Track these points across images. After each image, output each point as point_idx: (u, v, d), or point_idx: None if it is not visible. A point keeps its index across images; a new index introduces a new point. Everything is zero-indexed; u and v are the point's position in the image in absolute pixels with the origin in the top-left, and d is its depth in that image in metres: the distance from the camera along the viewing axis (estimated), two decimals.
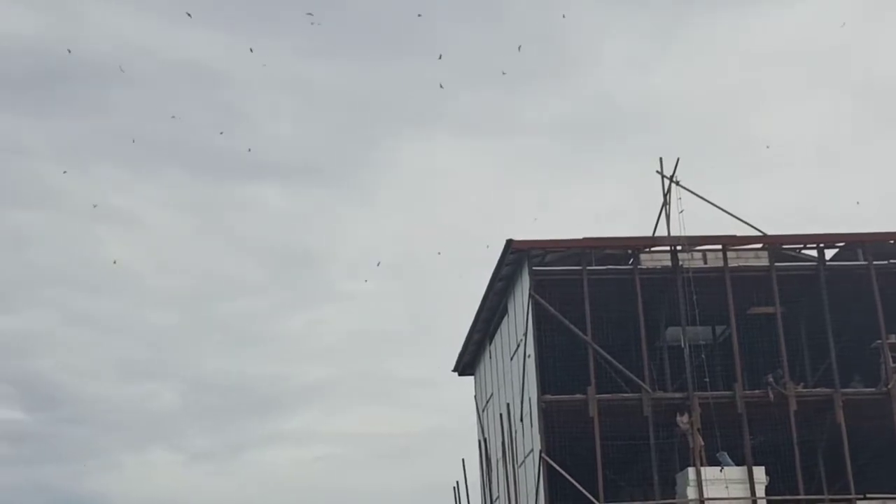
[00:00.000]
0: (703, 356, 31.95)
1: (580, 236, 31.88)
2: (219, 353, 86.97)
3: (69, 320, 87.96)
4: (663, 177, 33.85)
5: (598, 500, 29.66)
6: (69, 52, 62.27)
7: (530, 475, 32.10)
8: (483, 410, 39.89)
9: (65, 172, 78.86)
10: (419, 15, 55.91)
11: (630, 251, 32.55)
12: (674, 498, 30.86)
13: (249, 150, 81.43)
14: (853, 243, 32.90)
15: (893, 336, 31.99)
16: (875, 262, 32.33)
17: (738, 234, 32.52)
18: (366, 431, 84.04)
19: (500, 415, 35.75)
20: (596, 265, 32.13)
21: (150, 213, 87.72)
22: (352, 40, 79.65)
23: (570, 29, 78.51)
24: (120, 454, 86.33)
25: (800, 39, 76.39)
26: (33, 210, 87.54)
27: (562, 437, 30.82)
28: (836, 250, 33.51)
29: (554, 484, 30.38)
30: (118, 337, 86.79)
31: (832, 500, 30.56)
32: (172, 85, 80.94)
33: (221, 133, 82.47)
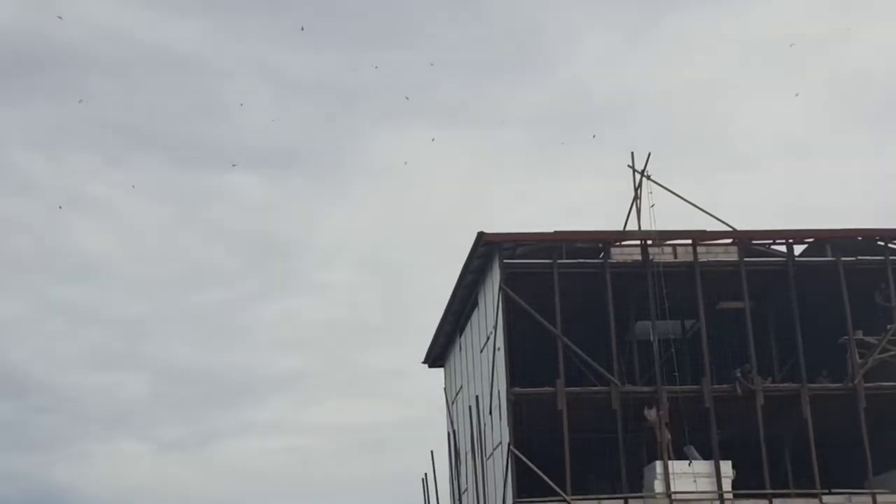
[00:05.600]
0: (671, 350, 32.08)
1: (551, 229, 31.94)
2: (190, 343, 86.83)
3: (41, 309, 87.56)
4: (634, 171, 33.93)
5: (565, 492, 29.73)
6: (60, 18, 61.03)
7: (498, 467, 32.16)
8: (452, 402, 39.91)
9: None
10: None
11: (600, 245, 32.60)
12: (641, 491, 30.95)
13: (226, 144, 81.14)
14: (822, 239, 33.08)
15: (860, 332, 32.20)
16: (843, 259, 32.51)
17: (708, 229, 32.62)
18: (336, 422, 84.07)
19: (470, 407, 35.79)
20: (566, 259, 32.16)
21: (125, 202, 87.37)
22: (330, 30, 79.48)
23: (547, 23, 78.55)
24: (89, 444, 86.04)
25: (774, 33, 76.62)
26: (6, 198, 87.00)
27: (530, 429, 30.87)
28: (804, 246, 33.70)
29: (522, 476, 30.41)
30: (90, 326, 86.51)
31: (798, 495, 30.72)
32: (148, 73, 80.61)
33: (198, 121, 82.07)
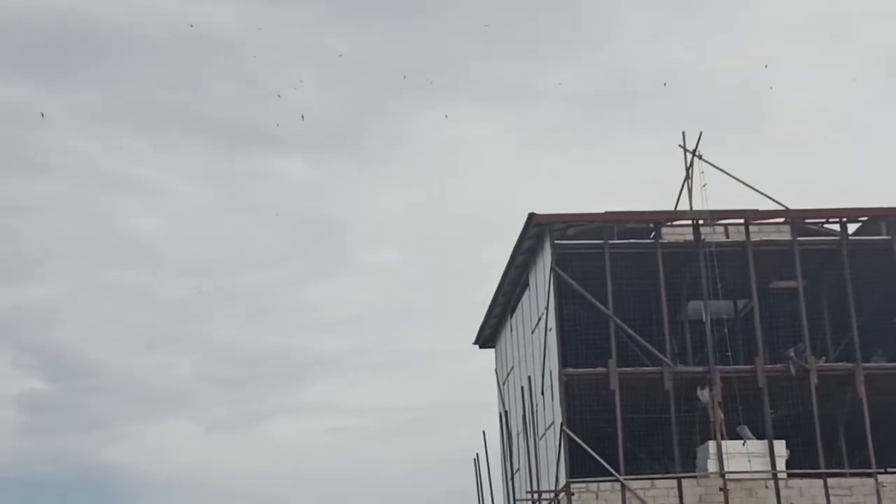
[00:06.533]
0: (724, 330, 31.98)
1: (602, 209, 31.88)
2: (237, 324, 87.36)
3: (91, 290, 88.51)
4: (686, 150, 33.79)
5: (618, 472, 29.78)
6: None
7: (551, 448, 32.23)
8: (504, 383, 40.00)
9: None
10: None
11: (652, 225, 32.52)
12: (694, 471, 30.94)
13: (278, 124, 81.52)
14: (876, 217, 32.79)
15: None
16: None
17: (761, 208, 32.44)
18: (385, 403, 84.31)
19: (521, 388, 35.87)
20: (618, 239, 32.13)
21: (170, 184, 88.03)
22: (370, 9, 79.45)
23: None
24: (138, 424, 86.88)
25: (823, 8, 75.87)
26: (55, 180, 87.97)
27: (582, 410, 30.90)
28: (858, 224, 33.41)
29: (574, 456, 30.49)
30: (138, 307, 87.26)
31: (853, 474, 30.57)
32: (194, 54, 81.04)
33: (245, 103, 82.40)
